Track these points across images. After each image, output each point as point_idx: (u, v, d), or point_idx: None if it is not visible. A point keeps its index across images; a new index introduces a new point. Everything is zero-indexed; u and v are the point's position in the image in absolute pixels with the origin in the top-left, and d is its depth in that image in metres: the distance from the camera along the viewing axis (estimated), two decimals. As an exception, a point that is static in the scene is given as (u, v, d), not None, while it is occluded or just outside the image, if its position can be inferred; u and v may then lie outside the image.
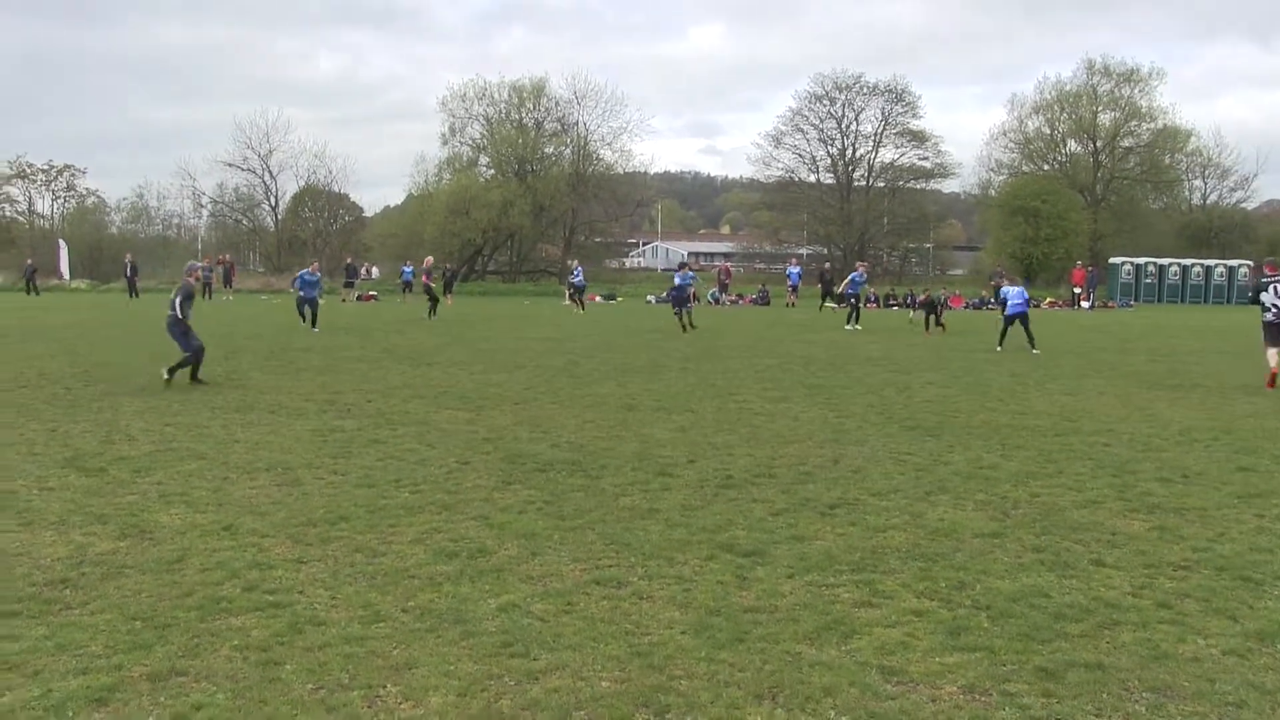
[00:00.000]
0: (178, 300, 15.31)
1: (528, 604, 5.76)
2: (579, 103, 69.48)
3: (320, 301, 28.03)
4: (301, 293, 27.28)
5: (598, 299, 51.94)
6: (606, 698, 4.60)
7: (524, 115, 70.05)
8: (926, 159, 70.94)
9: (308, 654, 5.05)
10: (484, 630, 5.36)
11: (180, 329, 15.28)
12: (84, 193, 79.53)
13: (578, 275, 41.28)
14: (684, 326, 26.94)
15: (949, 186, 76.75)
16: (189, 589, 6.00)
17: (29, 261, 55.58)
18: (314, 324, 26.58)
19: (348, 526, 7.36)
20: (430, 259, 38.49)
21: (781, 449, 10.44)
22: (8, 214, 78.02)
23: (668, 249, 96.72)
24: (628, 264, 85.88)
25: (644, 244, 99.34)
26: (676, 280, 28.39)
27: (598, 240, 72.98)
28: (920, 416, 12.63)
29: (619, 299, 53.24)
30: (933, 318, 28.88)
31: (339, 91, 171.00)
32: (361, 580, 6.18)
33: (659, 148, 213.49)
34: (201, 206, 77.70)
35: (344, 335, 25.15)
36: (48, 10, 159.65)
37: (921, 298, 32.44)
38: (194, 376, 15.24)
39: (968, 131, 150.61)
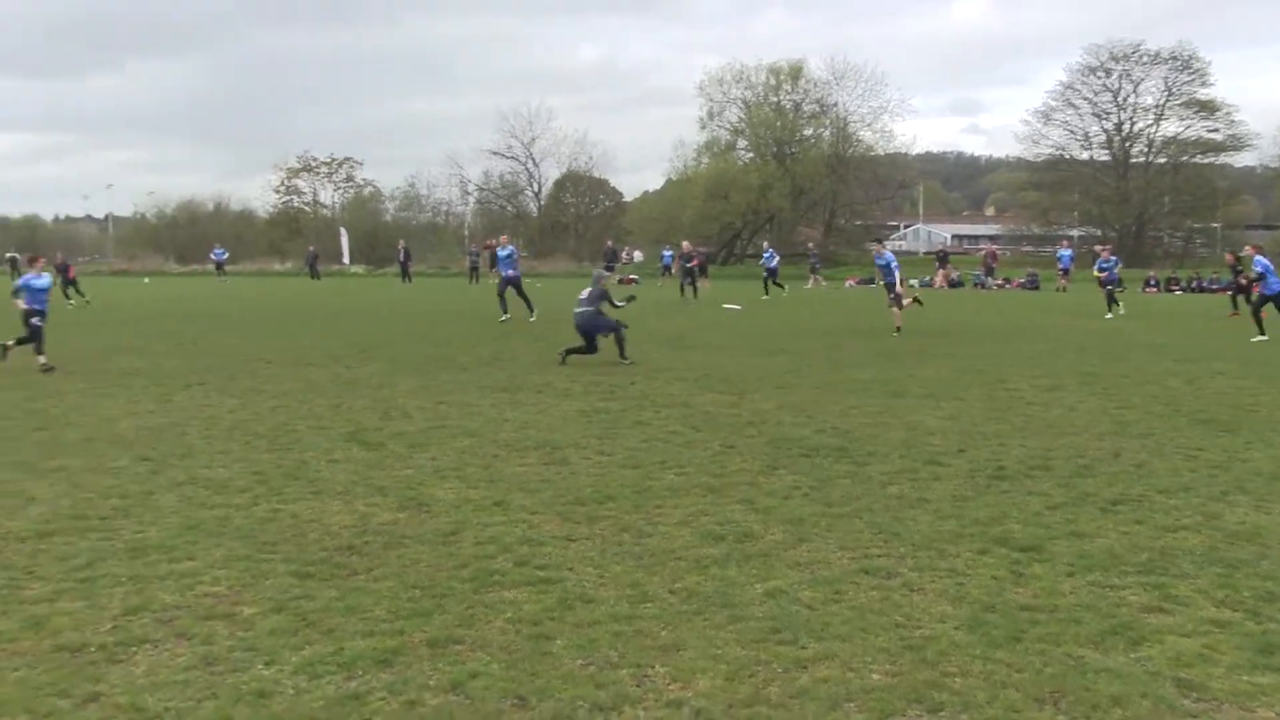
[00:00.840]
0: (602, 299, 16.29)
1: (795, 590, 5.67)
2: (837, 83, 68.68)
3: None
4: (504, 273, 23.77)
5: (851, 283, 51.14)
6: (877, 690, 4.46)
7: (782, 97, 69.79)
8: (1216, 130, 65.53)
9: (577, 630, 5.14)
10: (751, 615, 5.31)
11: (601, 321, 16.14)
12: (361, 183, 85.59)
13: (770, 258, 40.21)
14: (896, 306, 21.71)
15: (1242, 160, 70.66)
16: (464, 561, 6.24)
17: (311, 249, 60.27)
18: (530, 310, 23.49)
19: (614, 506, 7.48)
20: (687, 244, 38.91)
21: (1056, 440, 9.90)
22: (296, 204, 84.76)
23: (930, 231, 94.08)
24: (889, 247, 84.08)
25: (905, 227, 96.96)
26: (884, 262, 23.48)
27: (858, 223, 71.71)
28: (1212, 409, 11.68)
29: (878, 283, 52.14)
30: (1242, 298, 26.44)
31: (598, 79, 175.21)
32: (629, 560, 6.25)
33: (920, 127, 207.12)
34: (468, 194, 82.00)
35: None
36: (332, 17, 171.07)
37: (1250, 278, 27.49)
38: (623, 353, 16.01)
39: (1268, 97, 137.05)
